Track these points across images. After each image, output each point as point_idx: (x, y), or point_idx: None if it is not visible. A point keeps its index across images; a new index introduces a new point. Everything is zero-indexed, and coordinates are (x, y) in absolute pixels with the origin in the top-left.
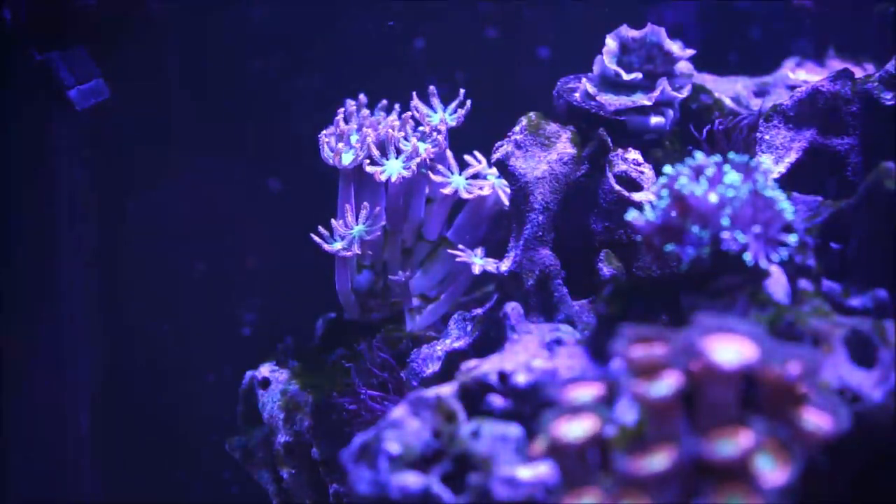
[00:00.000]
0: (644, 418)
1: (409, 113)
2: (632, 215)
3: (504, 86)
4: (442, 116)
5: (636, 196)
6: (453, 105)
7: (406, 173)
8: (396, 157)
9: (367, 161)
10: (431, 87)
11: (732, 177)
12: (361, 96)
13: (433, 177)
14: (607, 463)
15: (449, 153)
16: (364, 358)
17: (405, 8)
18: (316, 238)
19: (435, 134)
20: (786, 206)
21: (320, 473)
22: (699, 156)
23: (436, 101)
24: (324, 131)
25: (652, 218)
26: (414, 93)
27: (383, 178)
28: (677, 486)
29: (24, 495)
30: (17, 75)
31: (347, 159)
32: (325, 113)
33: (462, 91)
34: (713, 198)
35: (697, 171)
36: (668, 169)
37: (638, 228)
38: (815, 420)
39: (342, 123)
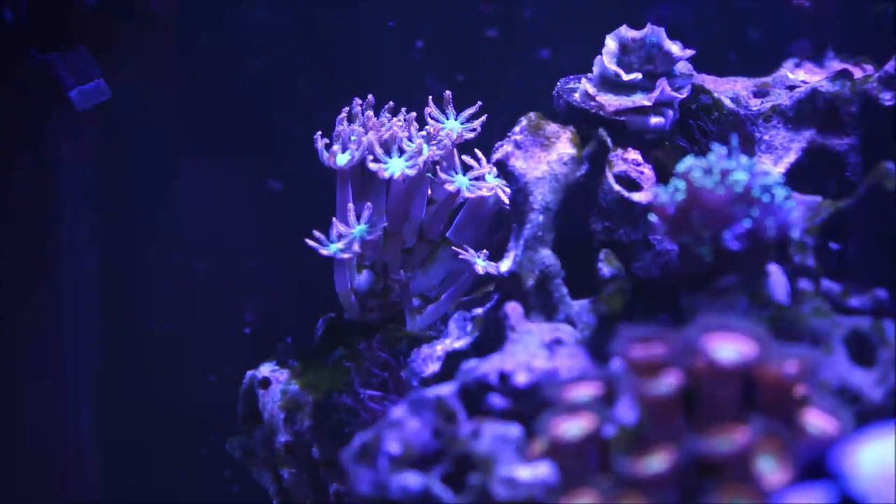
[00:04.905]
0: (644, 418)
1: (413, 114)
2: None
3: (504, 86)
4: (458, 129)
5: (636, 196)
6: (467, 113)
7: (411, 172)
8: (399, 157)
9: (371, 158)
10: (447, 93)
11: (740, 175)
12: (370, 97)
13: (441, 175)
14: (607, 463)
15: (455, 153)
16: (364, 358)
17: (405, 8)
18: (312, 243)
19: (442, 136)
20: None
21: (321, 473)
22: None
23: (450, 109)
24: (320, 132)
25: (665, 199)
26: (430, 98)
27: (386, 175)
28: (677, 487)
29: (25, 494)
30: (18, 75)
31: (343, 160)
32: (326, 113)
33: (479, 103)
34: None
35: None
36: (688, 161)
37: (655, 207)
38: (818, 422)
39: (345, 123)
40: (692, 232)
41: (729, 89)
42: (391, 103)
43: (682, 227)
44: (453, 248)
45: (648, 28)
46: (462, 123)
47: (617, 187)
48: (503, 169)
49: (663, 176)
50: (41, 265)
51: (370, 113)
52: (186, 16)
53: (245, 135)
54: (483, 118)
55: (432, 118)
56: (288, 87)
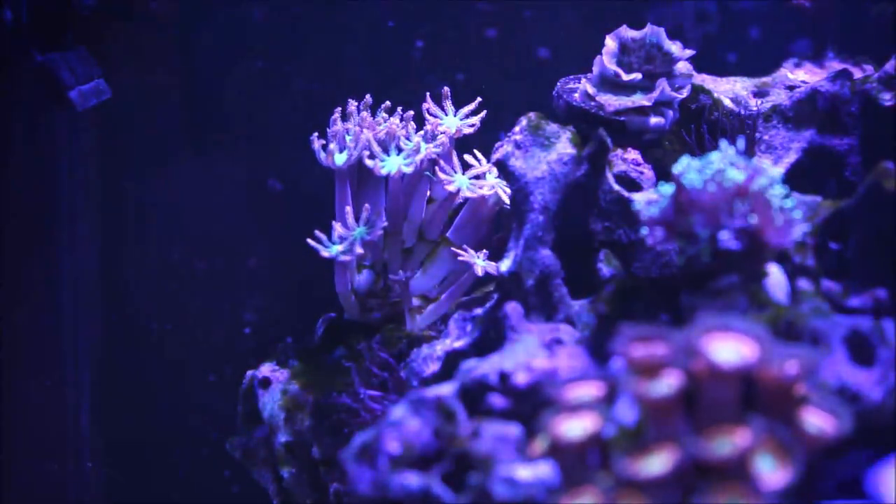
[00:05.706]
0: (644, 418)
1: (411, 112)
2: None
3: (504, 86)
4: (458, 124)
5: (636, 196)
6: (466, 110)
7: (408, 169)
8: (398, 155)
9: (367, 154)
10: (445, 89)
11: (734, 174)
12: (367, 97)
13: (440, 174)
14: (607, 463)
15: (454, 153)
16: (364, 358)
17: (405, 8)
18: (313, 243)
19: (440, 135)
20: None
21: (320, 473)
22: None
23: (448, 105)
24: (316, 133)
25: (654, 212)
26: (427, 94)
27: (383, 172)
28: (677, 487)
29: (25, 494)
30: (18, 76)
31: (341, 159)
32: (326, 113)
33: (478, 99)
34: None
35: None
36: (682, 161)
37: (643, 220)
38: (817, 422)
39: (339, 123)
40: (682, 234)
41: (729, 89)
42: (388, 103)
43: (672, 231)
44: (453, 248)
45: (648, 28)
46: (461, 120)
47: (617, 187)
48: (503, 169)
49: (663, 176)
50: (41, 265)
51: (365, 113)
52: (186, 16)
53: (245, 134)
54: (483, 114)
55: (430, 114)
56: (288, 87)
